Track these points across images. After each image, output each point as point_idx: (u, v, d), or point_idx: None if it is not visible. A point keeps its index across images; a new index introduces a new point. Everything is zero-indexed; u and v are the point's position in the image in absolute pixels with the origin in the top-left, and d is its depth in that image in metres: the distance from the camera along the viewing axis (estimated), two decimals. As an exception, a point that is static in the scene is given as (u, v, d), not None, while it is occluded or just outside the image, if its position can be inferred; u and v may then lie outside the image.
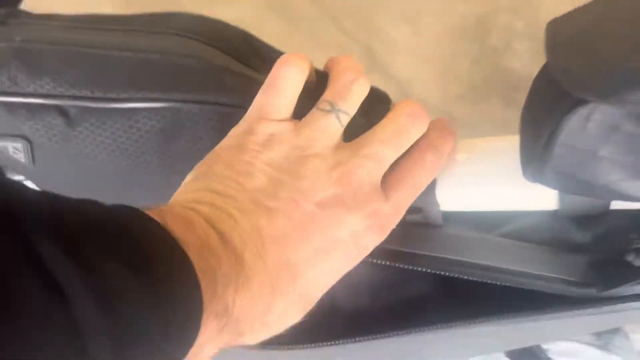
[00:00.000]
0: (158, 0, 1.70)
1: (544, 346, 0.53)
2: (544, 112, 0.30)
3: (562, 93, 0.28)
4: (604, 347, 0.49)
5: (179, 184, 0.35)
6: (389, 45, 1.59)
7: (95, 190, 0.39)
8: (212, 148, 0.34)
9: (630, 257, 0.32)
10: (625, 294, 0.34)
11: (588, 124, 0.28)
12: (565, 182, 0.32)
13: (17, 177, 0.46)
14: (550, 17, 1.39)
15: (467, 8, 1.73)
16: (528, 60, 1.62)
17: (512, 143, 0.36)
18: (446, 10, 1.72)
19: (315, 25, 1.62)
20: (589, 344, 0.50)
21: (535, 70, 1.48)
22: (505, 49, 1.63)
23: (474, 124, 1.54)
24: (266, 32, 1.83)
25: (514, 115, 1.55)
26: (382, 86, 1.66)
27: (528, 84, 1.55)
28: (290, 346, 0.44)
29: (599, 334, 0.50)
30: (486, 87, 1.57)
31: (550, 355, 0.53)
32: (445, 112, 1.54)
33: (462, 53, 1.62)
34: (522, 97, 1.54)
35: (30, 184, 0.46)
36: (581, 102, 0.27)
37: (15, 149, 0.39)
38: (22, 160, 0.40)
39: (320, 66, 0.45)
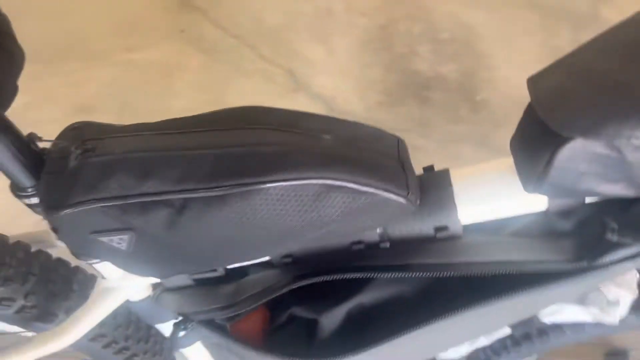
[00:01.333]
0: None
1: (533, 311, 0.66)
2: (537, 144, 0.42)
3: (549, 130, 0.40)
4: (581, 302, 0.62)
5: (263, 239, 0.44)
6: (308, 66, 1.70)
7: (184, 258, 0.46)
8: (280, 216, 0.42)
9: (609, 235, 0.44)
10: (605, 261, 0.46)
11: (574, 153, 0.40)
12: (557, 191, 0.44)
13: (92, 261, 0.51)
14: (443, 20, 1.59)
15: (368, 21, 1.88)
16: (431, 60, 1.79)
17: (504, 165, 0.47)
18: (350, 26, 1.86)
19: (236, 55, 1.69)
20: (569, 301, 0.64)
21: (439, 68, 1.68)
22: (410, 53, 1.80)
23: (396, 125, 1.68)
24: (190, 67, 1.87)
25: (430, 112, 1.72)
26: (308, 105, 1.78)
27: (437, 82, 1.73)
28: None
29: (575, 292, 0.64)
30: (401, 91, 1.72)
31: (540, 317, 0.66)
32: (369, 119, 1.67)
33: (374, 63, 1.76)
34: (433, 95, 1.71)
35: (105, 265, 0.52)
36: (568, 138, 0.39)
37: (121, 240, 0.45)
38: (123, 248, 0.46)
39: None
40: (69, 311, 0.58)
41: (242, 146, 0.41)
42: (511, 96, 1.68)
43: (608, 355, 1.30)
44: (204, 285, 0.54)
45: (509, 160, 0.47)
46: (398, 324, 0.51)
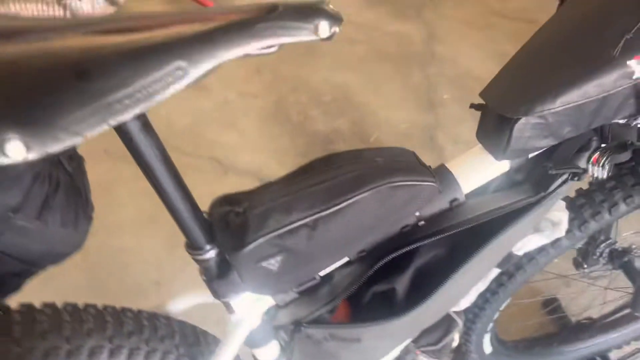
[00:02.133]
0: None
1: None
2: (498, 128, 0.69)
3: (505, 118, 0.67)
4: (536, 230, 0.91)
5: (358, 235, 0.66)
6: (228, 150, 1.92)
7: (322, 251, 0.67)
8: (369, 214, 0.65)
9: (550, 171, 0.73)
10: (553, 188, 0.75)
11: (522, 126, 0.68)
12: (515, 153, 0.71)
13: (234, 297, 0.69)
14: (321, 86, 2.04)
15: (262, 101, 2.16)
16: (324, 119, 2.10)
17: (476, 151, 0.74)
18: (249, 108, 2.12)
19: (161, 159, 1.85)
20: (530, 232, 0.91)
21: (333, 124, 2.05)
22: (306, 119, 2.10)
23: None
24: (124, 179, 2.01)
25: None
26: (240, 182, 2.01)
27: (335, 135, 2.10)
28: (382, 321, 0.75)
29: (530, 228, 0.92)
30: (311, 150, 2.00)
31: (515, 252, 0.93)
32: (292, 180, 1.92)
33: (281, 134, 2.03)
34: (336, 146, 2.03)
35: (239, 299, 0.69)
36: (518, 119, 0.67)
37: (275, 261, 0.63)
38: (275, 268, 0.64)
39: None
40: (203, 354, 0.74)
41: (337, 177, 0.64)
42: (394, 131, 2.04)
43: (545, 304, 1.63)
44: (305, 295, 0.74)
45: (477, 147, 0.74)
46: (439, 278, 0.75)
